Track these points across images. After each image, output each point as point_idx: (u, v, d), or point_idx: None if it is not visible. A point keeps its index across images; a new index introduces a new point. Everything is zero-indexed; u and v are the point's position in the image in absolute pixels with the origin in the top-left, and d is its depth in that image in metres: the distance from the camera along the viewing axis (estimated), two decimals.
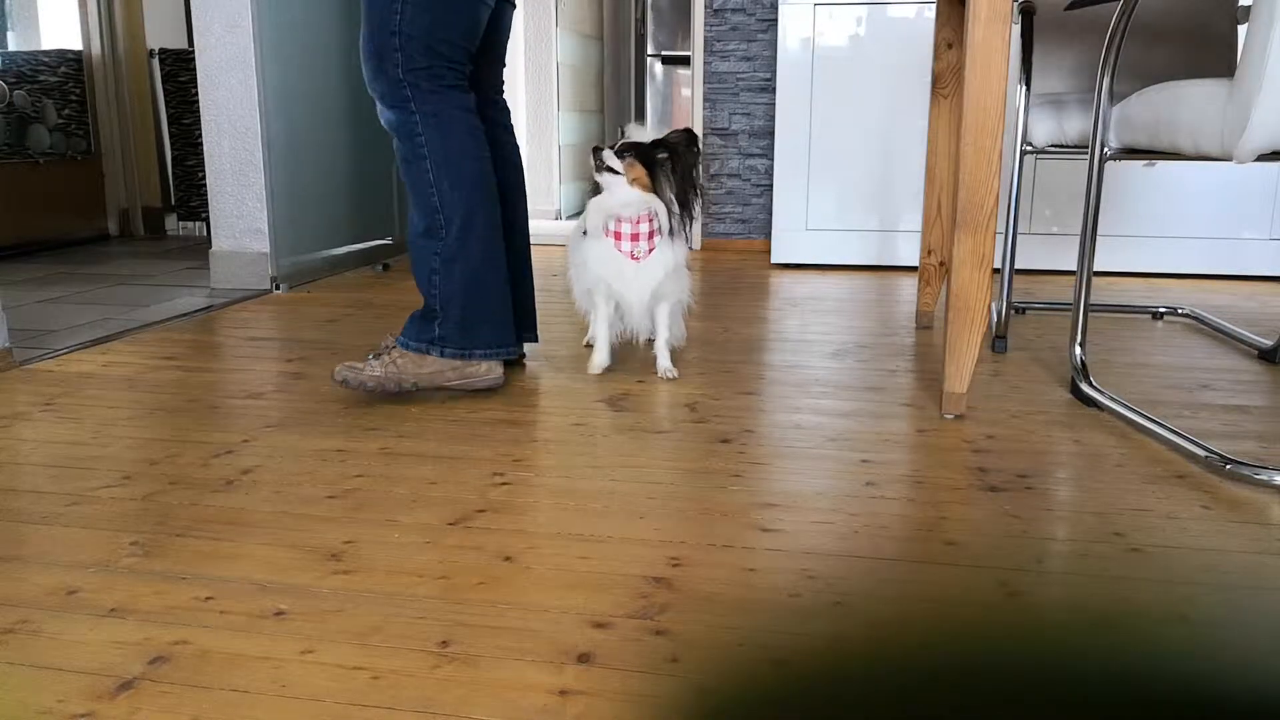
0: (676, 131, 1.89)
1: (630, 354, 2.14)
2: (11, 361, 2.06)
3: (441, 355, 1.78)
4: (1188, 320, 2.55)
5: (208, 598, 1.06)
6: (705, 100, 3.81)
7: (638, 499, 1.34)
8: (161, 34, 4.24)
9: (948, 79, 2.32)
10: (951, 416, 1.71)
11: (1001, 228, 2.18)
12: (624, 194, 1.86)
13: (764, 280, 3.22)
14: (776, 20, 3.57)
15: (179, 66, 4.16)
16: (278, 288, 2.98)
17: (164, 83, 4.22)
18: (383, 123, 1.76)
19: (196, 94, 3.01)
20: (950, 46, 2.31)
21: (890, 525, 1.25)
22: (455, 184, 1.74)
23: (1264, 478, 1.38)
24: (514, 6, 1.94)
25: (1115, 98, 1.74)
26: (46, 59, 3.92)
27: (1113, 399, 1.74)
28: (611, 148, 1.86)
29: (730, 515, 1.28)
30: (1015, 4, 2.25)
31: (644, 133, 1.89)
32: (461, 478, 1.42)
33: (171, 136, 4.26)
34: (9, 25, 4.18)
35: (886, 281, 3.21)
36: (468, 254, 1.76)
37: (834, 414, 1.74)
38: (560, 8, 5.27)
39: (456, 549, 1.18)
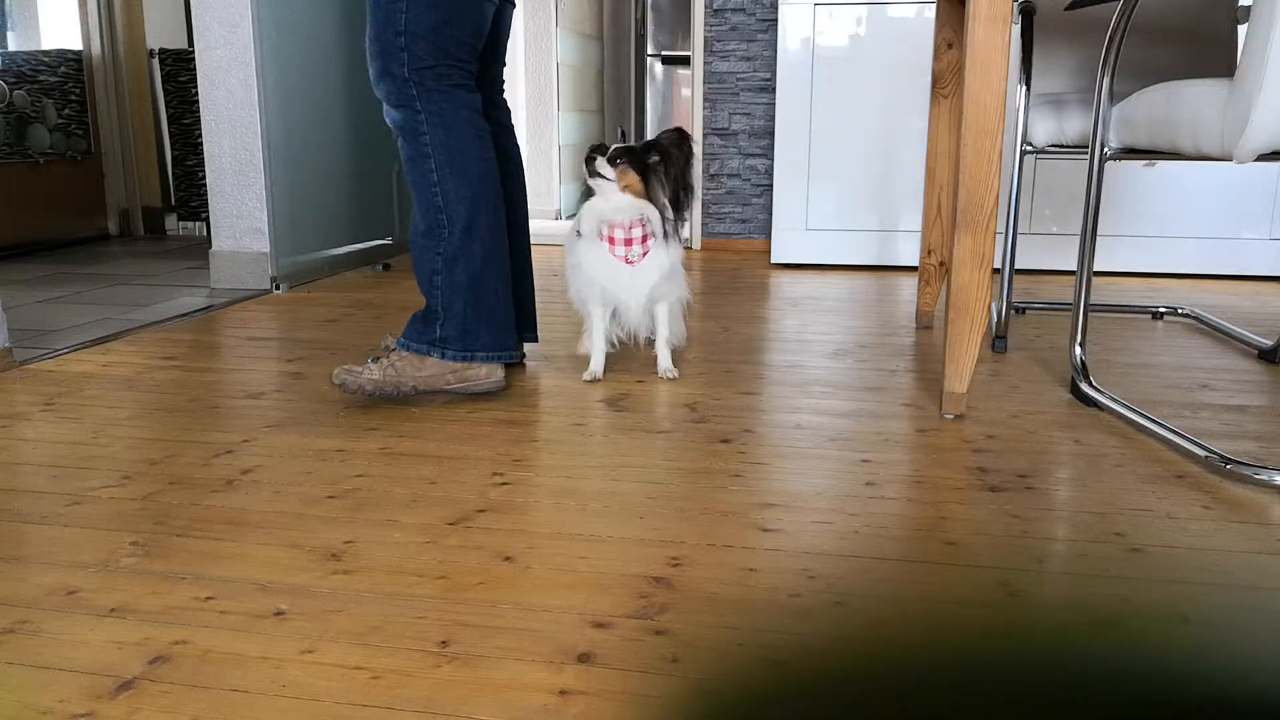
0: (668, 131, 1.90)
1: (630, 354, 2.14)
2: (11, 361, 2.07)
3: (443, 357, 1.77)
4: (1188, 320, 2.55)
5: (208, 598, 1.06)
6: (705, 100, 3.81)
7: (638, 499, 1.34)
8: (161, 34, 4.24)
9: (948, 79, 2.32)
10: (951, 416, 1.71)
11: (1001, 228, 2.18)
12: (617, 199, 1.87)
13: (764, 280, 3.22)
14: (776, 20, 3.57)
15: (179, 66, 4.16)
16: (278, 288, 2.98)
17: (164, 83, 4.22)
18: (388, 123, 1.75)
19: (196, 94, 3.02)
20: (950, 46, 2.31)
21: (890, 525, 1.25)
22: (459, 184, 1.73)
23: (1264, 478, 1.38)
24: (514, 5, 1.94)
25: (1115, 98, 1.74)
26: (46, 59, 3.92)
27: (1113, 399, 1.74)
28: (604, 145, 1.87)
29: (730, 515, 1.28)
30: (1015, 4, 2.25)
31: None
32: (461, 478, 1.42)
33: (171, 136, 4.26)
34: (9, 25, 4.18)
35: (886, 281, 3.21)
36: (470, 255, 1.75)
37: (834, 414, 1.74)
38: (560, 8, 5.27)
39: (456, 549, 1.18)
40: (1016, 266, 2.43)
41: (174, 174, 4.29)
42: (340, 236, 3.30)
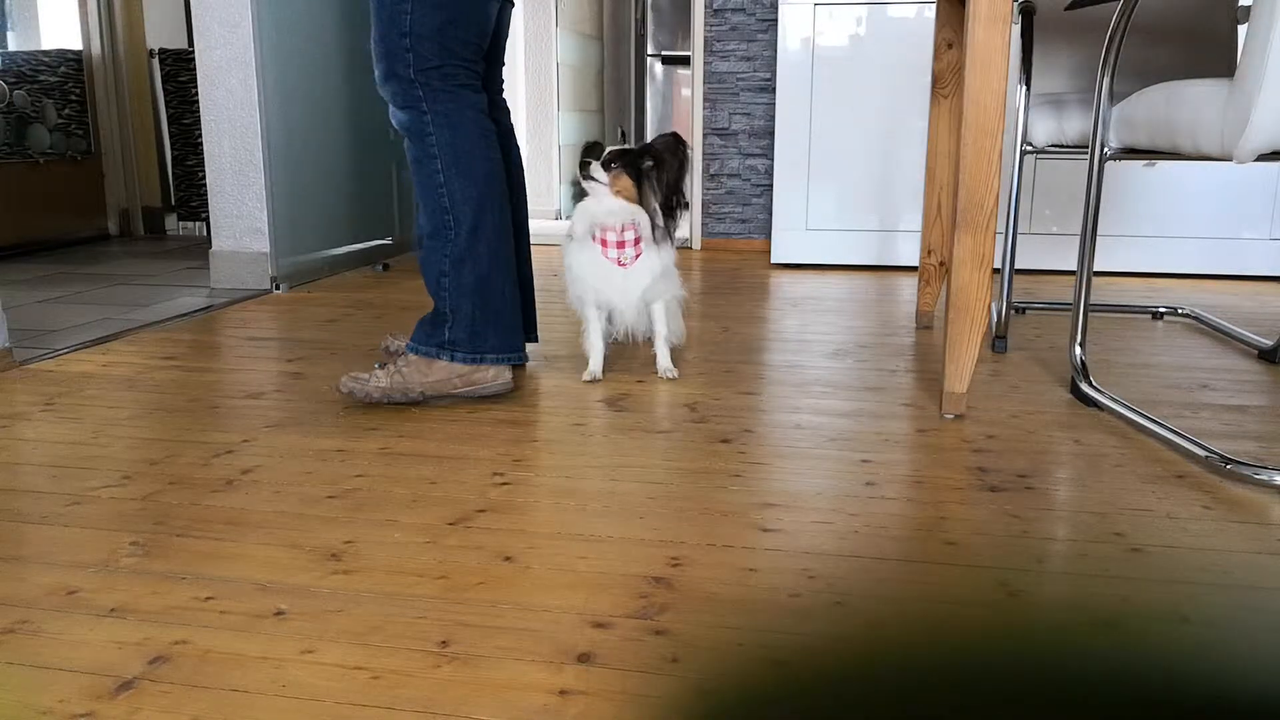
0: (663, 136, 1.91)
1: (630, 354, 2.14)
2: (11, 361, 2.07)
3: (452, 360, 1.76)
4: (1188, 320, 2.55)
5: (208, 598, 1.06)
6: (705, 100, 3.81)
7: (638, 499, 1.34)
8: (161, 34, 4.24)
9: (948, 79, 2.32)
10: (951, 416, 1.71)
11: (1001, 228, 2.18)
12: (609, 202, 1.87)
13: (764, 280, 3.22)
14: (776, 20, 3.57)
15: (179, 66, 4.16)
16: (278, 288, 2.98)
17: (164, 83, 4.22)
18: (394, 124, 1.75)
19: (196, 94, 3.01)
20: (950, 46, 2.31)
21: (890, 525, 1.25)
22: (465, 185, 1.73)
23: (1264, 478, 1.38)
24: (513, 5, 1.94)
25: (1115, 98, 1.74)
26: (46, 59, 3.92)
27: (1113, 399, 1.74)
28: (598, 143, 1.87)
29: (730, 515, 1.28)
30: (1015, 4, 2.25)
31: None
32: (461, 478, 1.42)
33: (171, 136, 4.26)
34: (9, 25, 4.18)
35: (886, 281, 3.21)
36: (477, 256, 1.75)
37: (834, 414, 1.74)
38: (560, 8, 5.27)
39: (456, 549, 1.18)
40: (1016, 266, 2.43)
41: (174, 174, 4.29)
42: (340, 236, 3.30)
